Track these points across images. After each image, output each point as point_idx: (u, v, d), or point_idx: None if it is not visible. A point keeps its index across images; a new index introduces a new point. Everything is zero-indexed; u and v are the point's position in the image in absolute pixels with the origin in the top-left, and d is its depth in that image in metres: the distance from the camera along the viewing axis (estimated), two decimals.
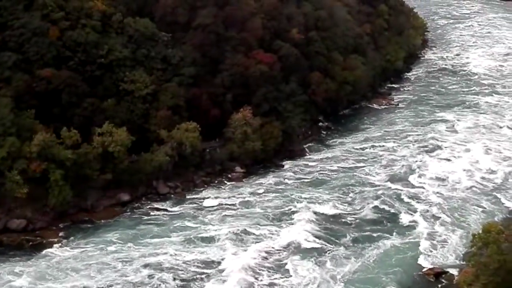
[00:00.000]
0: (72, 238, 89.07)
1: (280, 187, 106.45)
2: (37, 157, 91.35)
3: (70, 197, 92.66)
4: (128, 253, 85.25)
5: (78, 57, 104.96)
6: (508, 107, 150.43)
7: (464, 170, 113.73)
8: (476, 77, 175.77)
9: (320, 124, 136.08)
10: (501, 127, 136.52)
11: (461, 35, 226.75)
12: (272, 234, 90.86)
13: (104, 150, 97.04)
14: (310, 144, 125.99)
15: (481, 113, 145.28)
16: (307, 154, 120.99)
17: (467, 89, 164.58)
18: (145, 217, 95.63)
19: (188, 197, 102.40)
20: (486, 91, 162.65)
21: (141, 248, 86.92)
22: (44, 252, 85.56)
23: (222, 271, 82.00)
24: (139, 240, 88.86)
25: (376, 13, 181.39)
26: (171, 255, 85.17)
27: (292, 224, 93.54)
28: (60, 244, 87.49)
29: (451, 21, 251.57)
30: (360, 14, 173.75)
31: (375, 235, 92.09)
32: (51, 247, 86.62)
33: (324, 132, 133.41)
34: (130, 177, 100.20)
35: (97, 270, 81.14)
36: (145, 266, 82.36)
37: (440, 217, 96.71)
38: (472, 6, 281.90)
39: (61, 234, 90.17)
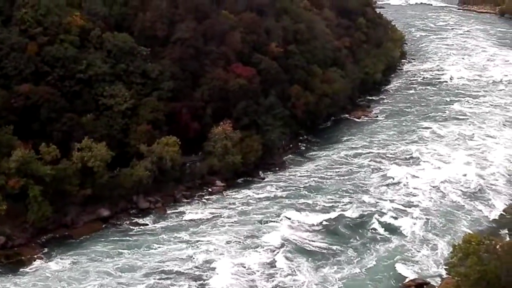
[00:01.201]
0: (52, 254, 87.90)
1: (260, 200, 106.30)
2: (15, 173, 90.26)
3: (49, 213, 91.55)
4: (108, 269, 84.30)
5: (57, 72, 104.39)
6: (485, 116, 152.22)
7: (444, 180, 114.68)
8: (454, 87, 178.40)
9: (300, 137, 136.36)
10: (479, 136, 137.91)
11: (438, 46, 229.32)
12: (253, 248, 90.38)
13: (84, 166, 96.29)
14: (290, 157, 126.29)
15: (459, 123, 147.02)
16: (288, 167, 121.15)
17: (446, 100, 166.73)
18: (126, 233, 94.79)
19: (168, 211, 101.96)
20: (465, 101, 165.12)
21: (121, 263, 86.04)
22: (23, 269, 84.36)
23: (204, 286, 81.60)
24: (119, 256, 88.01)
25: (355, 26, 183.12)
26: (152, 270, 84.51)
27: (273, 237, 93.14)
28: (40, 260, 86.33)
29: (429, 33, 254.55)
30: (339, 27, 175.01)
31: (355, 246, 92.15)
32: (30, 263, 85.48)
33: (304, 145, 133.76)
34: (110, 192, 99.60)
35: (76, 286, 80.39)
36: (126, 281, 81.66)
37: (421, 228, 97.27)
38: (449, 18, 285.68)
39: (40, 250, 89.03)
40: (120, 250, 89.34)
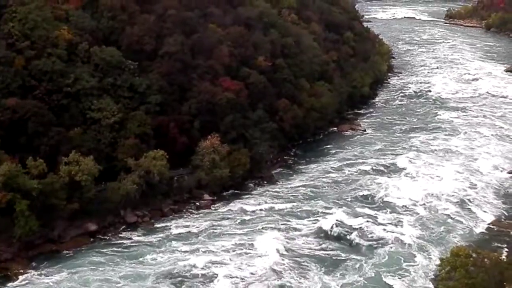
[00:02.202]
0: (39, 269, 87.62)
1: (248, 213, 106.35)
2: (2, 187, 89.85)
3: (36, 228, 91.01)
4: (94, 284, 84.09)
5: (44, 86, 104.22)
6: (472, 128, 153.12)
7: (432, 192, 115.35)
8: (441, 100, 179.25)
9: (288, 150, 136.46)
10: (466, 148, 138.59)
11: (425, 60, 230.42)
12: (241, 263, 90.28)
13: (71, 180, 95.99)
14: (278, 170, 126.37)
15: (447, 135, 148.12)
16: (276, 180, 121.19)
17: (432, 113, 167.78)
18: (110, 248, 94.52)
19: (156, 225, 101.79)
20: (452, 114, 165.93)
21: (108, 277, 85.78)
22: (10, 284, 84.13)
23: None
24: (106, 270, 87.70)
25: (342, 40, 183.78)
26: (156, 278, 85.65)
27: (263, 249, 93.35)
28: (26, 275, 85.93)
29: (415, 46, 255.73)
30: (327, 41, 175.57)
31: (342, 261, 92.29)
32: (17, 278, 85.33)
33: (292, 158, 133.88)
34: (97, 206, 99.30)
35: None
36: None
37: (408, 240, 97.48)
38: (436, 32, 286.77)
39: (27, 265, 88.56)
40: (106, 264, 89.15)
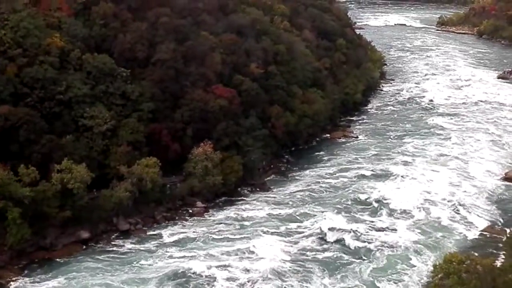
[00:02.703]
0: (31, 277, 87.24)
1: (241, 221, 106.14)
2: None
3: (28, 236, 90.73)
4: (111, 282, 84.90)
5: (36, 94, 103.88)
6: (465, 134, 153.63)
7: (425, 198, 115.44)
8: (433, 107, 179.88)
9: (281, 157, 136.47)
10: (458, 154, 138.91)
11: (418, 67, 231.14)
12: (235, 271, 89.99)
13: (63, 187, 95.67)
14: (271, 178, 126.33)
15: (439, 141, 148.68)
16: (268, 187, 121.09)
17: (425, 119, 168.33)
18: (105, 255, 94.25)
19: (149, 233, 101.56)
20: (444, 120, 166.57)
21: (109, 282, 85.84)
22: None
23: None
24: (106, 276, 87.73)
25: (335, 47, 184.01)
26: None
27: (254, 260, 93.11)
28: (18, 283, 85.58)
29: (408, 53, 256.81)
30: (319, 48, 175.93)
31: (338, 265, 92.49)
32: (9, 286, 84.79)
33: (285, 165, 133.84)
34: (89, 214, 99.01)
35: None
36: None
37: (402, 246, 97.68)
38: (428, 39, 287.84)
39: (19, 273, 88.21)
40: (99, 272, 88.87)
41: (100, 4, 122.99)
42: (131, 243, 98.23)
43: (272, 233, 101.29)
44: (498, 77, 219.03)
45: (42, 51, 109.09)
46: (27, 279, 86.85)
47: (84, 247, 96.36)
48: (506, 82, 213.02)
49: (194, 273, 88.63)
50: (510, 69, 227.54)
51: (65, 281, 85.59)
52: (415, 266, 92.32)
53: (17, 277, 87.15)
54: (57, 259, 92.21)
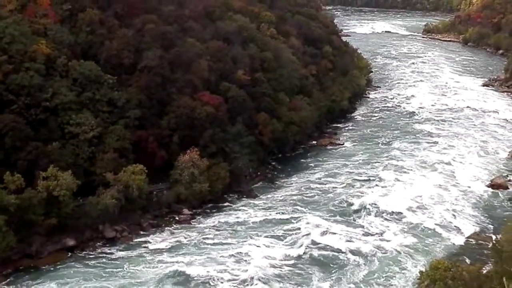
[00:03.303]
0: (16, 284, 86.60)
1: (228, 228, 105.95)
2: None
3: (13, 243, 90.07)
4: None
5: (22, 101, 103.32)
6: (451, 141, 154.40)
7: (411, 205, 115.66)
8: (419, 114, 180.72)
9: (268, 164, 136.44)
10: (444, 161, 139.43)
11: (404, 74, 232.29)
12: (223, 276, 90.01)
13: (49, 194, 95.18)
14: (258, 185, 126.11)
15: (426, 148, 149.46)
16: (255, 195, 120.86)
17: (411, 126, 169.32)
18: (91, 262, 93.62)
19: (135, 240, 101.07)
20: (430, 127, 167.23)
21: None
22: None
23: None
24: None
25: (321, 54, 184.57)
26: None
27: (242, 265, 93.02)
28: None
29: (394, 60, 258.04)
30: (305, 55, 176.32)
31: (323, 274, 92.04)
32: None
33: (272, 172, 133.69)
34: (75, 222, 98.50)
35: None
36: None
37: (388, 253, 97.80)
38: (413, 46, 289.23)
39: (4, 281, 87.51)
40: (83, 280, 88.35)
41: (86, 11, 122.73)
42: (118, 250, 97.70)
43: (259, 239, 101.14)
44: (484, 85, 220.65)
45: (27, 57, 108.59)
46: (12, 286, 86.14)
47: (70, 254, 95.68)
48: (491, 90, 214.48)
49: (187, 277, 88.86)
50: (495, 77, 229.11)
51: (56, 287, 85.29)
52: (401, 272, 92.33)
53: (2, 285, 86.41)
54: (43, 267, 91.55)
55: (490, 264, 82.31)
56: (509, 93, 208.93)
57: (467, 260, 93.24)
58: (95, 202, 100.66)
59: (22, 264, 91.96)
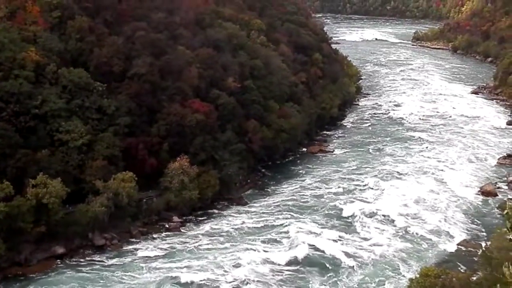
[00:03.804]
0: None
1: (218, 235, 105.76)
2: None
3: (2, 251, 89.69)
4: None
5: (11, 108, 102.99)
6: (441, 148, 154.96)
7: (402, 213, 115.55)
8: (409, 121, 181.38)
9: (258, 171, 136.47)
10: (434, 168, 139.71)
11: (393, 81, 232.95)
12: (214, 283, 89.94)
13: (38, 202, 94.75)
14: (248, 192, 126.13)
15: (416, 156, 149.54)
16: (245, 202, 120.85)
17: (401, 133, 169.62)
18: (80, 270, 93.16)
19: (124, 248, 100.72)
20: (420, 134, 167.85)
21: None
22: None
23: None
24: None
25: (311, 61, 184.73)
26: None
27: (233, 272, 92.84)
28: None
29: (383, 68, 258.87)
30: (295, 62, 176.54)
31: (311, 285, 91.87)
32: None
33: (262, 180, 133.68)
34: (65, 229, 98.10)
35: None
36: None
37: (378, 261, 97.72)
38: (403, 54, 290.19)
39: None
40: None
41: (75, 18, 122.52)
42: (108, 257, 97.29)
43: (250, 246, 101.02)
44: (473, 92, 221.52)
45: (17, 65, 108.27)
46: None
47: (59, 262, 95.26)
48: (480, 97, 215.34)
49: (178, 283, 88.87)
50: (484, 84, 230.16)
51: None
52: (392, 278, 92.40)
53: None
54: (32, 275, 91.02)
55: (480, 271, 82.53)
56: (498, 101, 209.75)
57: (457, 267, 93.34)
58: (85, 210, 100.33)
59: (11, 272, 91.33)
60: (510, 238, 26.93)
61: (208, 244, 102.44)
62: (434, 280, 73.24)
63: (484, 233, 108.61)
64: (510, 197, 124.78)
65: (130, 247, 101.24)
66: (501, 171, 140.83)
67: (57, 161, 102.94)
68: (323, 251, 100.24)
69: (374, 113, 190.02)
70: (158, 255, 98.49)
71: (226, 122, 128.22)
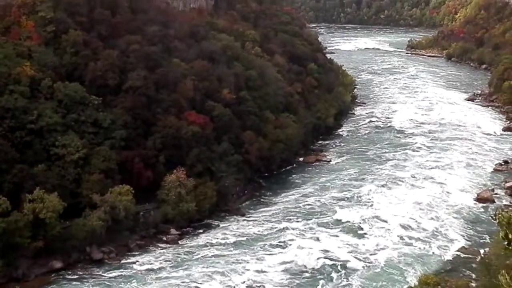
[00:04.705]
0: None
1: (216, 247, 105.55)
2: None
3: (0, 267, 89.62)
4: None
5: (7, 123, 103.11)
6: (437, 156, 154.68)
7: (400, 221, 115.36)
8: (405, 128, 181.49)
9: (255, 182, 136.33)
10: (431, 176, 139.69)
11: (388, 89, 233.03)
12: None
13: (35, 217, 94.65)
14: (245, 203, 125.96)
15: (412, 164, 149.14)
16: (243, 213, 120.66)
17: (397, 141, 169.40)
18: (78, 284, 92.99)
19: (122, 261, 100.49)
20: (415, 142, 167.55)
21: None
22: None
23: None
24: None
25: (306, 72, 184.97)
26: None
27: (232, 284, 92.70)
28: None
29: (378, 76, 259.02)
30: (290, 73, 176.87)
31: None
32: None
33: (259, 191, 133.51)
34: (62, 244, 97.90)
35: None
36: None
37: (376, 269, 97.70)
38: (397, 62, 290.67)
39: None
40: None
41: (70, 33, 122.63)
42: (106, 271, 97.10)
43: (248, 257, 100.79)
44: (468, 99, 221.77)
45: (12, 80, 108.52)
46: None
47: (57, 276, 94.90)
48: (476, 104, 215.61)
49: None
50: (479, 91, 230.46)
51: None
52: (391, 286, 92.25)
53: None
54: None
55: (479, 279, 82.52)
56: (493, 107, 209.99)
57: (456, 275, 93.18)
58: (82, 224, 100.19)
59: None
60: (505, 246, 26.91)
61: (206, 256, 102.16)
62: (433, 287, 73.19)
63: (482, 240, 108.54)
64: (506, 203, 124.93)
65: (128, 260, 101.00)
66: (498, 177, 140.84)
67: (54, 176, 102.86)
68: (321, 260, 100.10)
69: (370, 122, 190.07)
70: (156, 268, 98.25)
71: (222, 133, 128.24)
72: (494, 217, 27.89)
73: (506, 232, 26.76)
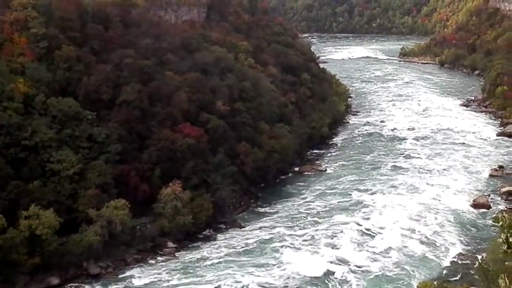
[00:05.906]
0: None
1: (213, 260, 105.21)
2: None
3: None
4: None
5: (1, 140, 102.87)
6: (432, 163, 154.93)
7: (396, 229, 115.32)
8: (400, 136, 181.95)
9: (251, 193, 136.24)
10: (427, 184, 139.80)
11: (382, 97, 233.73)
12: None
13: (31, 234, 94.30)
14: (241, 214, 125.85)
15: (407, 171, 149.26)
16: (240, 225, 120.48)
17: (392, 149, 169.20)
18: None
19: (120, 276, 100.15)
20: (410, 149, 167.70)
21: None
22: None
23: None
24: None
25: (300, 81, 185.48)
26: None
27: None
28: None
29: (372, 84, 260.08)
30: (284, 83, 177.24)
31: None
32: None
33: (255, 202, 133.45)
34: (59, 260, 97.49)
35: None
36: None
37: (374, 277, 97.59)
38: (390, 70, 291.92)
39: None
40: None
41: (63, 48, 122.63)
42: (104, 286, 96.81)
43: (247, 269, 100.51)
44: (462, 105, 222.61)
45: (5, 97, 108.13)
46: None
47: None
48: (469, 109, 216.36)
49: None
50: (472, 97, 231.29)
51: None
52: None
53: None
54: None
55: (477, 284, 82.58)
56: (487, 113, 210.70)
57: (454, 281, 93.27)
58: (79, 239, 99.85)
59: None
60: (505, 250, 26.95)
61: (204, 268, 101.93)
62: None
63: (480, 246, 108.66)
64: (502, 208, 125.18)
65: (126, 274, 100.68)
66: (493, 183, 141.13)
67: (49, 192, 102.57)
68: (319, 269, 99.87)
69: (365, 130, 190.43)
70: (154, 282, 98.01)
71: (217, 145, 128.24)
72: (495, 221, 28.02)
73: (507, 235, 26.82)
